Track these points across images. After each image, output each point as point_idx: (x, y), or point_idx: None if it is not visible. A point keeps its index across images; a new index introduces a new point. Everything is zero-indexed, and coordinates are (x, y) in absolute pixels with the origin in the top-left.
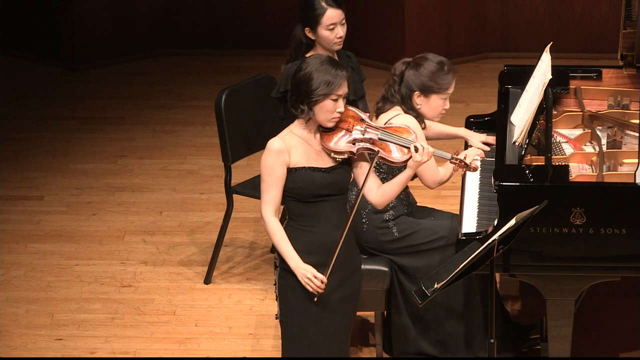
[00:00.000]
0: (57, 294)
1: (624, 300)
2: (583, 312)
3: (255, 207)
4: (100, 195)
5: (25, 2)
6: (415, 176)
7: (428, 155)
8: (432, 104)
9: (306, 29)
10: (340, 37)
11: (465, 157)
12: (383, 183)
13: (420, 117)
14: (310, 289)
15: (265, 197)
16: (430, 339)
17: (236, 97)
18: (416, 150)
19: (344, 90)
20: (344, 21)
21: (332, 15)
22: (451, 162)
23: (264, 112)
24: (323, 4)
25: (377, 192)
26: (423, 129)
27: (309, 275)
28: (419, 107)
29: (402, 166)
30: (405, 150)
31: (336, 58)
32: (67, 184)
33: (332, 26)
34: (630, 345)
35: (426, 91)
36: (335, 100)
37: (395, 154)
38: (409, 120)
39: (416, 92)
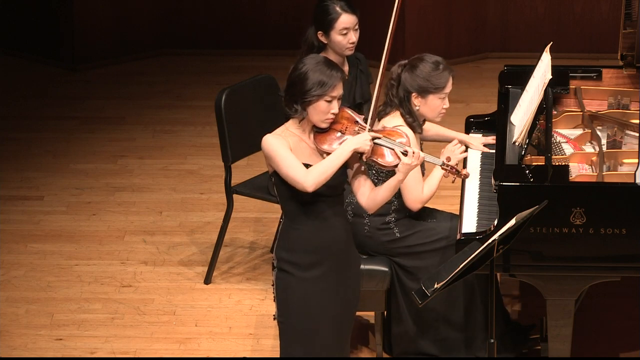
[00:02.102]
0: (57, 294)
1: (624, 300)
2: (583, 312)
3: (255, 207)
4: (100, 195)
5: (25, 2)
6: None
7: (418, 160)
8: (430, 105)
9: (319, 32)
10: (353, 43)
11: (457, 164)
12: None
13: (417, 122)
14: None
15: (298, 172)
16: (431, 339)
17: (236, 97)
18: (405, 154)
19: (338, 92)
20: (357, 26)
21: (346, 20)
22: (442, 168)
23: (264, 112)
24: (337, 8)
25: (369, 196)
26: (420, 133)
27: (364, 137)
28: (417, 108)
29: (393, 170)
30: (396, 153)
31: (346, 62)
32: (67, 184)
33: (345, 31)
34: (630, 345)
35: (423, 92)
36: (329, 101)
37: (386, 157)
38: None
39: (413, 94)
